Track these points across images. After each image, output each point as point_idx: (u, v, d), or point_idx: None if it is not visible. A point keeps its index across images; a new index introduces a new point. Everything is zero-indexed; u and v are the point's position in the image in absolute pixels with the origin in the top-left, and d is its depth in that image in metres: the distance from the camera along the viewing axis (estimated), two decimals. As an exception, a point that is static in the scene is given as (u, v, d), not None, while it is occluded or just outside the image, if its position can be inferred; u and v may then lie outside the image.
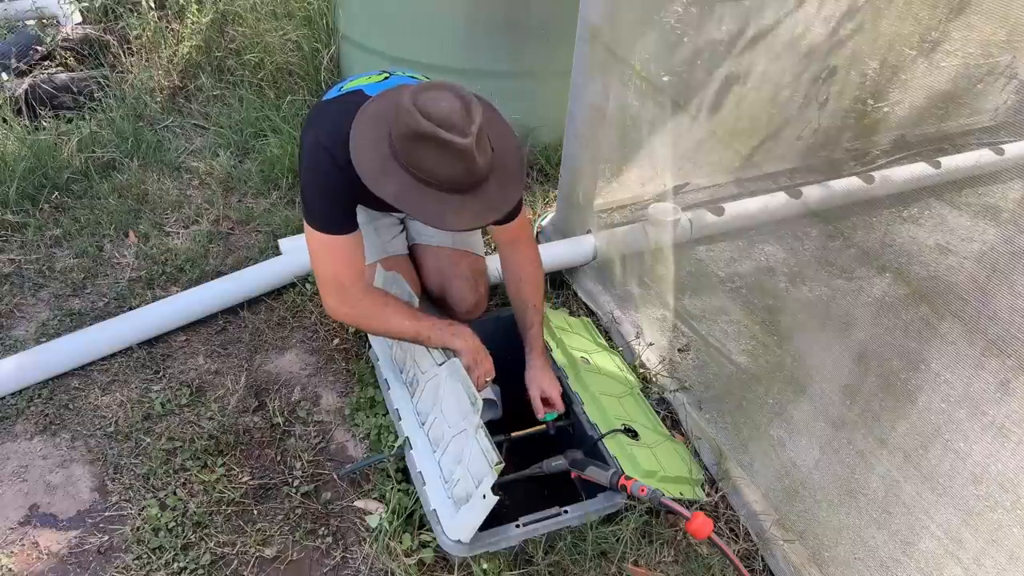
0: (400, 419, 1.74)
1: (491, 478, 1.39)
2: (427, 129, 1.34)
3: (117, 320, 2.06)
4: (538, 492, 1.76)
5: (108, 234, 2.48)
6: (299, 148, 1.64)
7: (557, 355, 1.91)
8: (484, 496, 1.39)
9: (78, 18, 3.68)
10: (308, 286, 2.27)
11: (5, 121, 2.83)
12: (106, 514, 1.68)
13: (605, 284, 2.34)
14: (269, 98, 3.17)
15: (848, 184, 1.69)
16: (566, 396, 1.80)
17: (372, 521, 1.65)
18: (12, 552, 1.60)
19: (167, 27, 3.43)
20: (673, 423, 1.95)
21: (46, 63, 3.35)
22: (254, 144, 2.95)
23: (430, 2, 2.76)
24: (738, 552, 1.65)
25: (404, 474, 1.72)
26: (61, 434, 1.85)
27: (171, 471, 1.76)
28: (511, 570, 1.56)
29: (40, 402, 1.92)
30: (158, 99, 3.20)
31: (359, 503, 1.73)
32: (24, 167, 2.58)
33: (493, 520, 1.46)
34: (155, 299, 2.20)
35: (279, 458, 1.82)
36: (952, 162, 1.67)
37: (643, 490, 1.50)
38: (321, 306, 2.07)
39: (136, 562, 1.58)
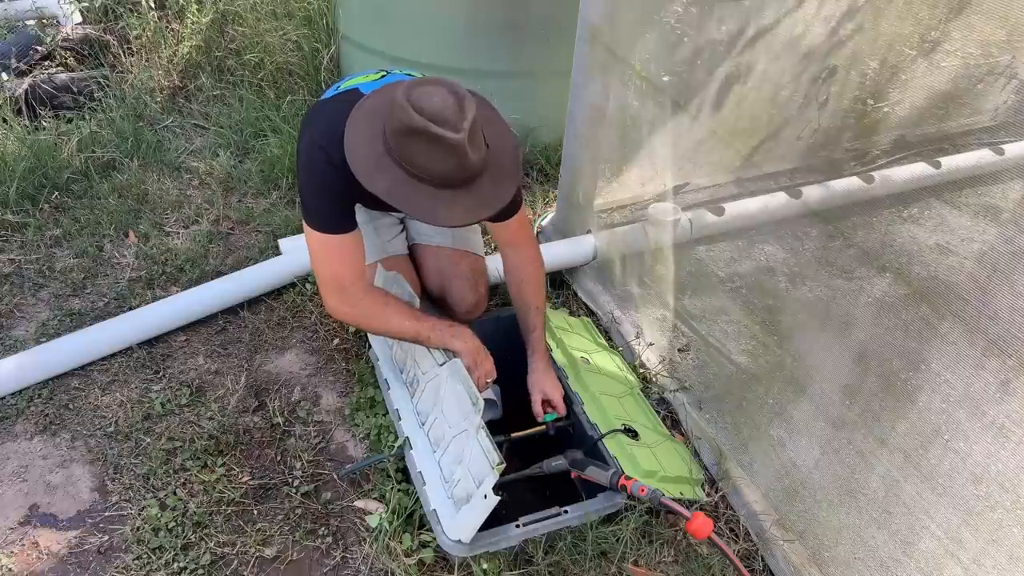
0: (400, 419, 1.74)
1: (492, 478, 1.39)
2: (419, 124, 1.34)
3: (117, 320, 2.06)
4: (538, 492, 1.76)
5: (108, 234, 2.48)
6: (296, 148, 1.64)
7: (557, 355, 1.91)
8: (485, 496, 1.39)
9: (78, 18, 3.68)
10: (308, 286, 2.27)
11: (5, 121, 2.83)
12: (106, 514, 1.68)
13: (605, 284, 2.34)
14: (269, 98, 3.17)
15: (848, 184, 1.69)
16: (567, 397, 1.80)
17: (372, 521, 1.65)
18: (12, 552, 1.60)
19: (167, 27, 3.43)
20: (673, 423, 1.95)
21: (46, 63, 3.35)
22: (254, 144, 2.95)
23: (430, 2, 2.76)
24: (738, 552, 1.65)
25: (404, 474, 1.72)
26: (61, 434, 1.85)
27: (171, 471, 1.76)
28: (511, 570, 1.56)
29: (40, 402, 1.92)
30: (158, 99, 3.20)
31: (359, 503, 1.73)
32: (24, 167, 2.58)
33: (493, 520, 1.46)
34: (155, 299, 2.20)
35: (279, 458, 1.82)
36: (952, 162, 1.67)
37: (643, 490, 1.50)
38: (321, 306, 2.07)
39: (136, 562, 1.58)
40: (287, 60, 3.22)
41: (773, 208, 1.86)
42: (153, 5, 3.42)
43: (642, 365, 2.08)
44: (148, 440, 1.84)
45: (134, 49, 3.35)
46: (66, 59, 3.36)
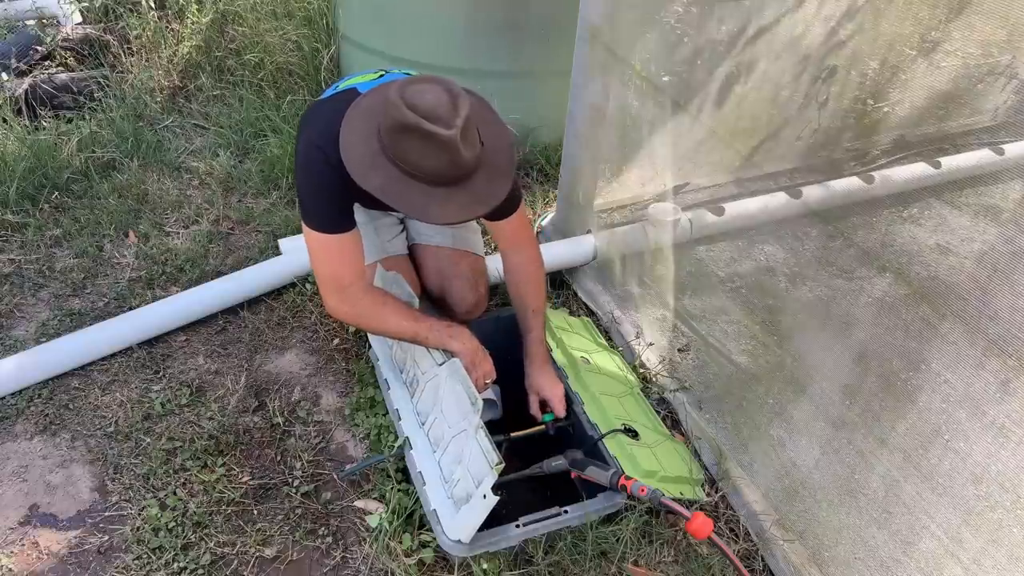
0: (400, 419, 1.74)
1: (491, 478, 1.39)
2: (411, 120, 1.35)
3: (117, 320, 2.06)
4: (538, 492, 1.76)
5: (108, 234, 2.48)
6: (294, 148, 1.64)
7: (557, 355, 1.91)
8: (484, 496, 1.39)
9: (78, 18, 3.68)
10: (308, 286, 2.27)
11: (5, 121, 2.83)
12: (106, 514, 1.68)
13: (605, 284, 2.34)
14: (269, 98, 3.17)
15: (848, 184, 1.69)
16: (567, 396, 1.79)
17: (372, 521, 1.65)
18: (12, 552, 1.60)
19: (167, 27, 3.43)
20: (673, 423, 1.95)
21: (46, 63, 3.35)
22: (254, 144, 2.95)
23: (430, 2, 2.76)
24: (738, 552, 1.65)
25: (404, 474, 1.72)
26: (61, 434, 1.85)
27: (171, 471, 1.76)
28: (511, 570, 1.56)
29: (40, 402, 1.92)
30: (158, 99, 3.21)
31: (359, 503, 1.73)
32: (24, 167, 2.58)
33: (493, 520, 1.46)
34: (155, 299, 2.20)
35: (279, 458, 1.82)
36: (952, 162, 1.67)
37: (643, 490, 1.50)
38: (321, 306, 2.07)
39: (136, 562, 1.58)
40: (287, 60, 3.22)
41: (773, 208, 1.86)
42: (153, 5, 3.42)
43: (642, 365, 2.08)
44: (148, 440, 1.84)
45: (134, 49, 3.35)
46: (66, 59, 3.36)
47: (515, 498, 1.64)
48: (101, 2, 3.60)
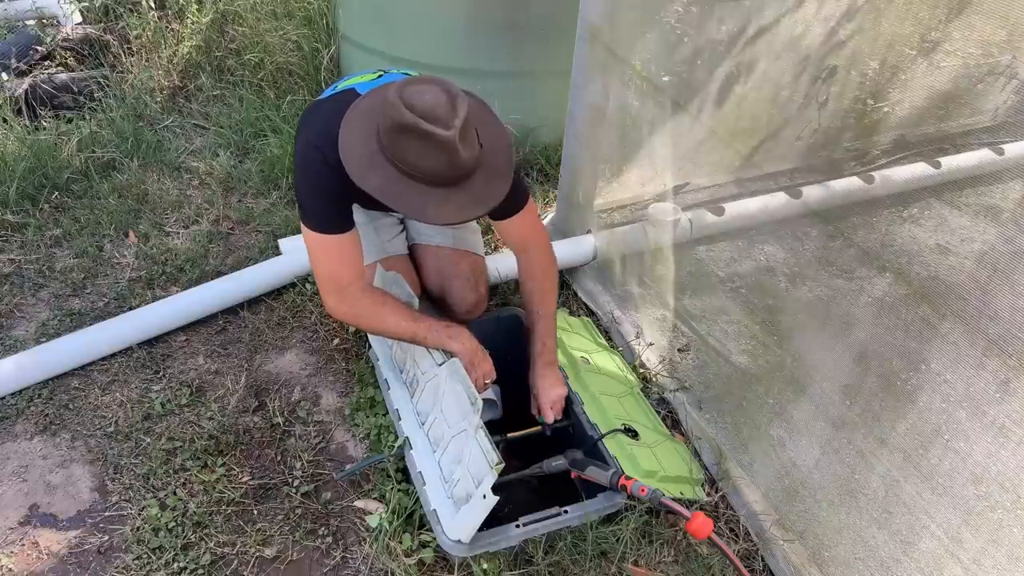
0: (400, 419, 1.74)
1: (491, 478, 1.39)
2: (410, 120, 1.35)
3: (117, 320, 2.06)
4: (538, 492, 1.76)
5: (108, 234, 2.48)
6: (293, 148, 1.64)
7: (557, 355, 1.91)
8: (484, 496, 1.39)
9: (78, 18, 3.68)
10: (308, 286, 2.27)
11: (5, 121, 2.83)
12: (106, 514, 1.68)
13: (605, 284, 2.34)
14: (269, 98, 3.17)
15: (848, 184, 1.69)
16: (567, 396, 1.79)
17: (372, 521, 1.65)
18: (12, 552, 1.60)
19: (167, 27, 3.43)
20: (673, 423, 1.95)
21: (46, 63, 3.35)
22: (254, 144, 2.95)
23: (430, 2, 2.76)
24: (738, 552, 1.65)
25: (404, 474, 1.72)
26: (61, 434, 1.85)
27: (171, 471, 1.76)
28: (511, 570, 1.56)
29: (40, 402, 1.92)
30: (158, 99, 3.21)
31: (359, 503, 1.73)
32: (24, 167, 2.58)
33: (493, 520, 1.46)
34: (155, 299, 2.20)
35: (279, 458, 1.82)
36: (952, 162, 1.67)
37: (643, 490, 1.50)
38: (321, 306, 2.06)
39: (136, 562, 1.58)
40: (287, 60, 3.22)
41: (773, 208, 1.86)
42: (153, 5, 3.42)
43: (642, 365, 2.08)
44: (148, 440, 1.84)
45: (134, 49, 3.35)
46: (66, 59, 3.36)
47: (515, 498, 1.64)
48: (101, 2, 3.60)
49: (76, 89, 3.08)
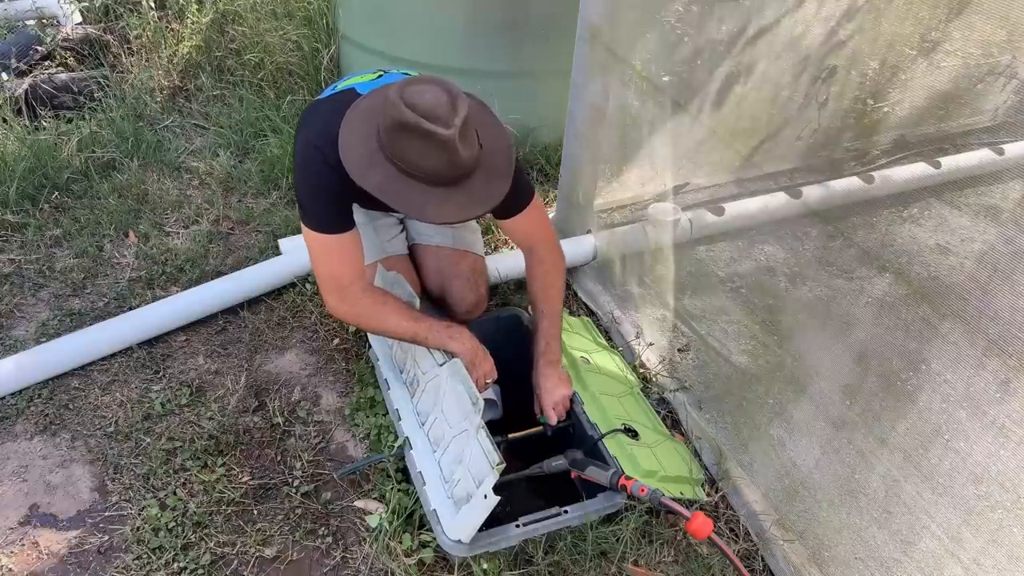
0: (400, 419, 1.74)
1: (492, 478, 1.39)
2: (410, 119, 1.35)
3: (117, 320, 2.06)
4: (538, 492, 1.76)
5: (108, 234, 2.48)
6: (293, 148, 1.64)
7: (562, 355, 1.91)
8: (485, 496, 1.39)
9: (78, 18, 3.68)
10: (308, 286, 2.27)
11: (5, 121, 2.83)
12: (106, 514, 1.68)
13: (605, 284, 2.34)
14: (269, 98, 3.17)
15: (848, 184, 1.69)
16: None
17: (372, 521, 1.65)
18: (12, 552, 1.60)
19: (167, 27, 3.43)
20: (673, 423, 1.95)
21: (46, 63, 3.35)
22: (254, 144, 2.95)
23: (430, 2, 2.76)
24: (738, 552, 1.65)
25: (404, 474, 1.72)
26: (61, 434, 1.85)
27: (171, 471, 1.76)
28: (511, 570, 1.56)
29: (40, 402, 1.92)
30: (158, 99, 3.21)
31: (359, 503, 1.73)
32: (24, 167, 2.58)
33: (493, 520, 1.46)
34: (155, 299, 2.20)
35: (279, 458, 1.82)
36: (952, 162, 1.67)
37: (643, 490, 1.50)
38: (321, 306, 2.07)
39: (136, 562, 1.58)
40: (287, 60, 3.22)
41: (773, 208, 1.86)
42: (153, 5, 3.42)
43: (642, 365, 2.08)
44: (148, 440, 1.84)
45: (134, 49, 3.35)
46: (66, 59, 3.36)
47: (515, 498, 1.64)
48: (101, 2, 3.61)
49: (76, 89, 3.08)
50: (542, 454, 1.65)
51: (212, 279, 2.23)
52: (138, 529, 1.64)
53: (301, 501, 1.73)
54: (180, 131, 3.08)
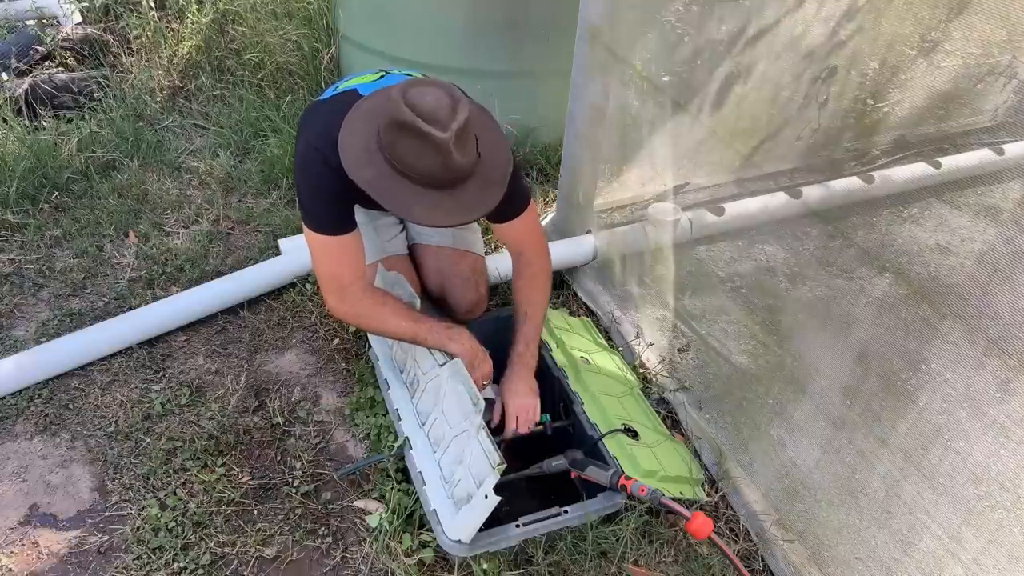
0: (400, 419, 1.74)
1: (493, 478, 1.39)
2: (408, 119, 1.35)
3: (117, 320, 2.06)
4: (538, 492, 1.76)
5: (108, 234, 2.48)
6: (294, 149, 1.64)
7: (557, 355, 1.91)
8: (486, 496, 1.39)
9: (78, 18, 3.68)
10: (308, 286, 2.27)
11: (5, 121, 2.83)
12: (106, 514, 1.68)
13: (605, 284, 2.34)
14: (269, 98, 3.17)
15: (848, 184, 1.69)
16: (567, 397, 1.80)
17: (372, 521, 1.65)
18: (12, 552, 1.60)
19: (167, 27, 3.43)
20: (673, 423, 1.95)
21: (46, 63, 3.35)
22: (254, 144, 2.95)
23: (430, 2, 2.76)
24: (738, 552, 1.65)
25: (404, 474, 1.72)
26: (61, 434, 1.85)
27: (171, 471, 1.76)
28: (511, 570, 1.56)
29: (40, 402, 1.92)
30: (158, 99, 3.21)
31: (359, 503, 1.73)
32: (24, 167, 2.58)
33: (492, 520, 1.46)
34: (155, 299, 2.20)
35: (279, 458, 1.82)
36: (952, 162, 1.67)
37: (643, 490, 1.50)
38: (321, 306, 2.07)
39: (136, 562, 1.58)
40: (287, 60, 3.22)
41: (773, 208, 1.86)
42: (153, 5, 3.42)
43: (642, 365, 2.08)
44: (148, 440, 1.83)
45: (134, 49, 3.35)
46: (66, 59, 3.36)
47: (515, 498, 1.64)
48: (101, 2, 3.61)
49: (76, 89, 3.08)
50: (542, 454, 1.65)
51: (212, 279, 2.23)
52: (138, 529, 1.64)
53: (301, 501, 1.73)
54: (180, 131, 3.08)
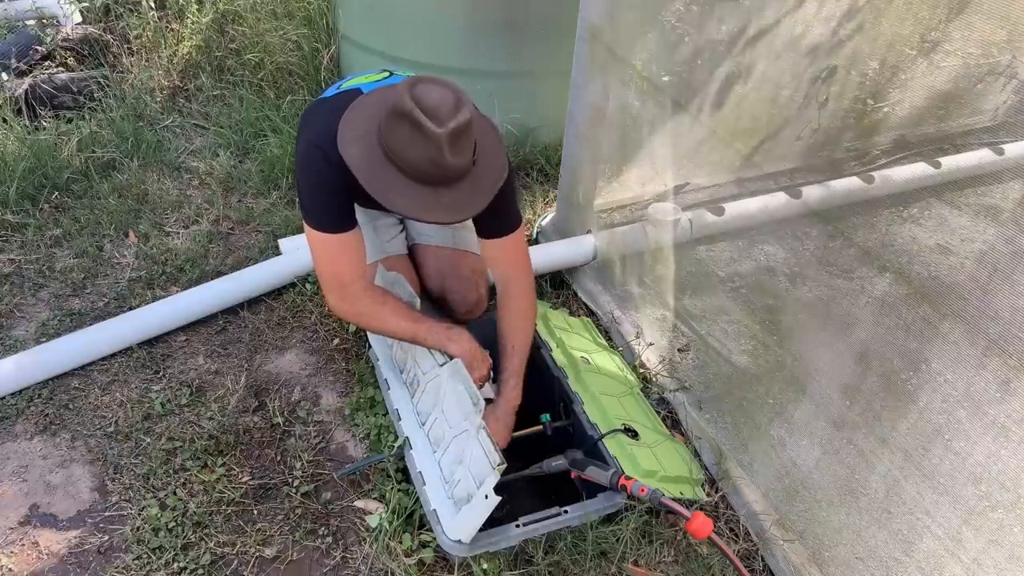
0: (400, 419, 1.74)
1: (493, 478, 1.39)
2: (407, 108, 1.36)
3: (117, 320, 2.06)
4: (538, 492, 1.76)
5: (108, 234, 2.48)
6: (294, 147, 1.64)
7: (557, 355, 1.91)
8: (486, 496, 1.39)
9: (78, 18, 3.68)
10: (308, 286, 2.27)
11: (5, 121, 2.83)
12: (106, 514, 1.68)
13: (605, 284, 2.34)
14: (269, 98, 3.17)
15: (848, 184, 1.69)
16: (567, 395, 1.80)
17: (372, 521, 1.65)
18: (12, 552, 1.60)
19: (167, 27, 3.43)
20: (673, 423, 1.95)
21: (46, 63, 3.35)
22: (254, 144, 2.95)
23: (430, 2, 2.76)
24: (738, 552, 1.65)
25: (404, 474, 1.72)
26: (61, 434, 1.85)
27: (171, 471, 1.76)
28: (511, 570, 1.56)
29: (40, 402, 1.92)
30: (158, 99, 3.20)
31: (359, 503, 1.73)
32: (24, 167, 2.58)
33: (492, 520, 1.46)
34: (155, 299, 2.20)
35: (279, 458, 1.82)
36: (952, 162, 1.67)
37: (643, 490, 1.50)
38: (321, 306, 2.07)
39: (136, 562, 1.58)
40: (287, 60, 3.22)
41: (773, 208, 1.86)
42: (153, 5, 3.42)
43: (642, 365, 2.08)
44: (148, 440, 1.83)
45: (134, 49, 3.35)
46: (66, 59, 3.36)
47: (515, 498, 1.64)
48: (101, 2, 3.61)
49: (76, 89, 3.08)
50: (542, 454, 1.65)
51: (212, 279, 2.23)
52: (138, 529, 1.64)
53: (301, 501, 1.73)
54: (180, 131, 3.08)
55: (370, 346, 1.96)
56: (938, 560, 1.29)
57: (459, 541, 1.47)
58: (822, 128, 1.73)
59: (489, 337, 1.76)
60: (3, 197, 2.51)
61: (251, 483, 1.75)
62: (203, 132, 3.09)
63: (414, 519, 1.65)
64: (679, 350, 2.06)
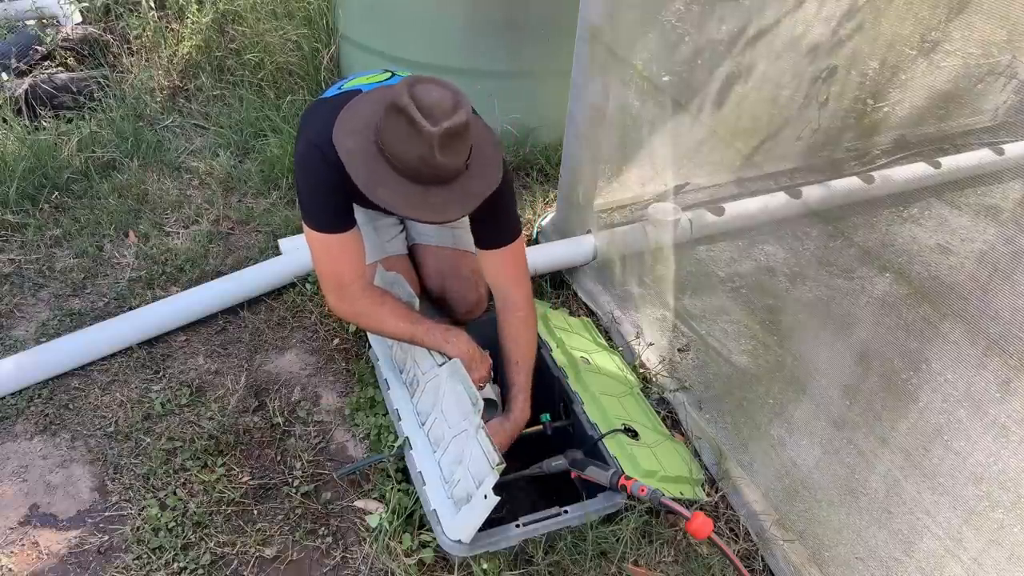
0: (400, 419, 1.74)
1: (492, 478, 1.39)
2: (403, 103, 1.36)
3: (117, 320, 2.06)
4: (538, 492, 1.76)
5: (108, 234, 2.48)
6: (294, 147, 1.65)
7: (557, 355, 1.91)
8: (485, 496, 1.39)
9: (78, 18, 3.68)
10: (308, 286, 2.27)
11: (5, 121, 2.83)
12: (106, 514, 1.68)
13: (605, 284, 2.34)
14: (269, 98, 3.17)
15: (848, 184, 1.69)
16: (567, 395, 1.80)
17: (372, 521, 1.65)
18: (12, 552, 1.60)
19: (167, 27, 3.43)
20: (673, 423, 1.95)
21: (46, 63, 3.35)
22: (254, 144, 2.95)
23: (430, 2, 2.76)
24: (738, 552, 1.65)
25: (404, 474, 1.72)
26: (61, 434, 1.85)
27: (171, 471, 1.76)
28: (511, 570, 1.56)
29: (40, 402, 1.92)
30: (158, 99, 3.20)
31: (359, 503, 1.73)
32: (24, 167, 2.58)
33: (492, 520, 1.46)
34: (155, 299, 2.20)
35: (279, 458, 1.82)
36: (952, 162, 1.67)
37: (643, 490, 1.50)
38: (321, 306, 2.07)
39: (136, 562, 1.58)
40: (287, 60, 3.22)
41: (773, 208, 1.86)
42: (153, 5, 3.42)
43: (642, 365, 2.08)
44: (148, 440, 1.83)
45: (134, 49, 3.35)
46: (66, 59, 3.35)
47: (515, 498, 1.64)
48: (101, 2, 3.61)
49: (76, 89, 3.08)
50: (542, 454, 1.65)
51: (212, 279, 2.23)
52: (138, 529, 1.64)
53: (301, 501, 1.73)
54: (180, 131, 3.08)
55: (370, 346, 1.96)
56: (938, 560, 1.29)
57: (459, 541, 1.47)
58: (822, 128, 1.73)
59: (489, 338, 1.75)
60: (3, 197, 2.51)
61: (251, 483, 1.75)
62: (203, 132, 3.09)
63: (414, 519, 1.65)
64: (679, 350, 2.06)
